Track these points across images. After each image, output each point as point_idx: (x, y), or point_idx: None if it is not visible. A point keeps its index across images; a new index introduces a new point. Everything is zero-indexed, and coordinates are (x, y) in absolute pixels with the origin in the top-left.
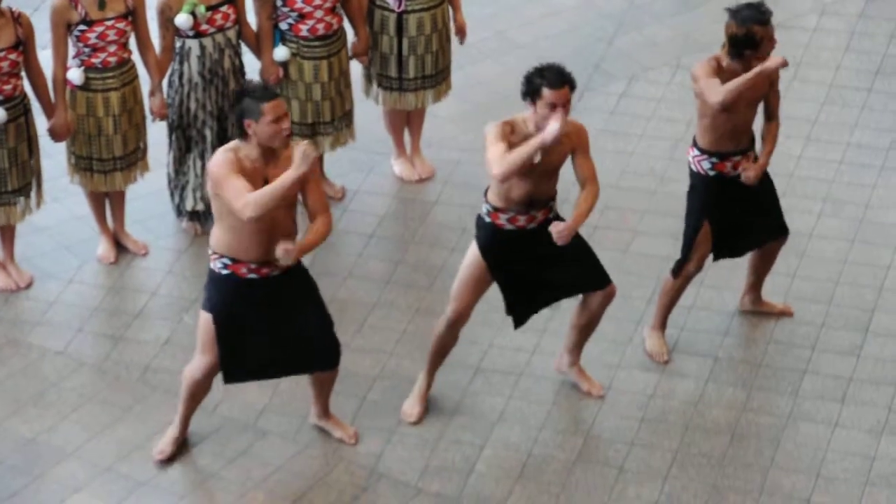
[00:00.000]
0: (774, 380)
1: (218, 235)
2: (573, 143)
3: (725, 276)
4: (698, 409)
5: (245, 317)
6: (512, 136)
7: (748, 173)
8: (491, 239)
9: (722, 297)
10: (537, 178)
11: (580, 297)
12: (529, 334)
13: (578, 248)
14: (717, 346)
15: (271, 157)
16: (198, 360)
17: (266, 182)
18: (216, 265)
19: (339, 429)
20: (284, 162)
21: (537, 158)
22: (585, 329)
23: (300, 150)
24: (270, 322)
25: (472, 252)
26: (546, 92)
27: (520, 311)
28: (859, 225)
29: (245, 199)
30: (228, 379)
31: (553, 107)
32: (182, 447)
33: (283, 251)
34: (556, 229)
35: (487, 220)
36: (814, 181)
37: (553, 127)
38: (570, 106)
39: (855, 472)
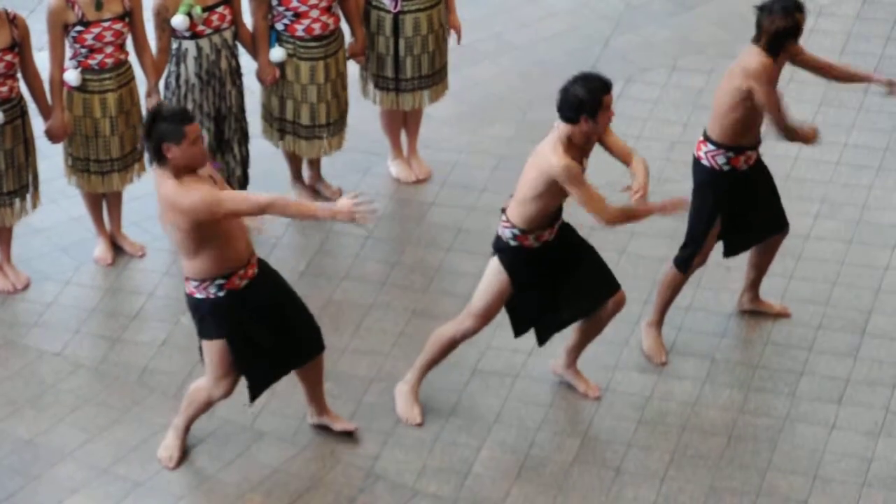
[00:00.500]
0: (771, 381)
1: (200, 264)
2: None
3: (722, 278)
4: (695, 411)
5: (250, 328)
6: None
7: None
8: (519, 261)
9: (719, 299)
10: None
11: None
12: (526, 336)
13: (586, 251)
14: (714, 347)
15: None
16: (217, 386)
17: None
18: (210, 291)
19: (339, 421)
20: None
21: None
22: (590, 332)
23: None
24: (268, 325)
25: (499, 274)
26: (606, 98)
27: (542, 329)
28: (856, 226)
29: (262, 200)
30: (254, 397)
31: (609, 106)
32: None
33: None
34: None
35: (514, 243)
36: (810, 182)
37: (681, 204)
38: None
39: (852, 474)
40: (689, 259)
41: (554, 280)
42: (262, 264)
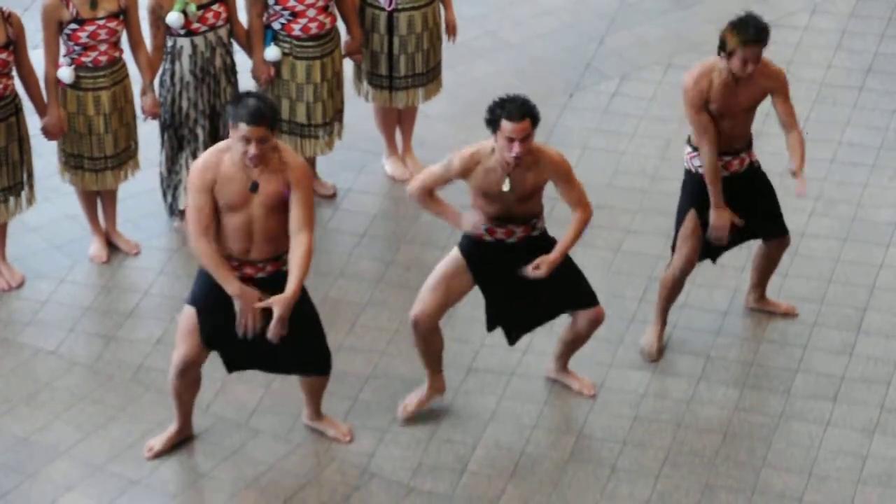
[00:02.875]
0: (767, 379)
1: None
2: (547, 175)
3: (717, 276)
4: (690, 408)
5: (227, 313)
6: (477, 166)
7: (799, 188)
8: (473, 247)
9: (713, 297)
10: (511, 203)
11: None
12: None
13: (564, 268)
14: (710, 345)
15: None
16: (176, 349)
17: (255, 186)
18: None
19: (333, 427)
20: (273, 168)
21: (506, 188)
22: (571, 345)
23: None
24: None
25: (451, 254)
26: (505, 124)
27: (510, 330)
28: (851, 224)
29: (196, 234)
30: (229, 370)
31: (511, 140)
32: (174, 446)
33: (273, 330)
34: (534, 268)
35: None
36: (806, 180)
37: (470, 221)
38: (532, 139)
39: (847, 471)
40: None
41: (523, 288)
42: (284, 278)
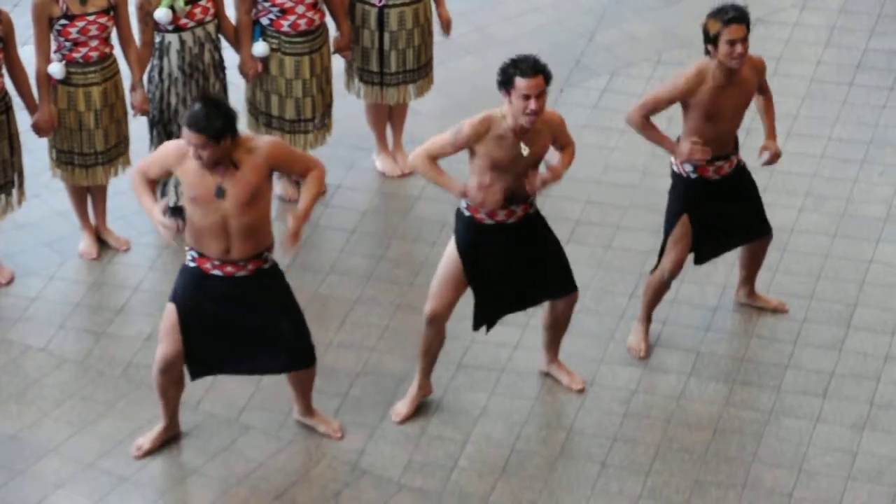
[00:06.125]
0: (757, 374)
1: (188, 229)
2: (553, 133)
3: (707, 272)
4: (680, 404)
5: (207, 310)
6: (488, 132)
7: (768, 158)
8: (469, 233)
9: (703, 292)
10: (519, 173)
11: None
12: (511, 329)
13: (552, 248)
14: (700, 340)
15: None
16: (159, 345)
17: (221, 192)
18: (187, 257)
19: (324, 423)
20: (242, 174)
21: (525, 151)
22: (554, 329)
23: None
24: (234, 319)
25: (451, 250)
26: (519, 81)
27: (487, 317)
28: (841, 219)
29: (134, 173)
30: (193, 375)
31: (527, 97)
32: (164, 442)
33: (283, 249)
34: (542, 177)
35: (467, 213)
36: (795, 176)
37: (473, 192)
38: (546, 97)
39: (837, 467)
40: (659, 258)
41: (513, 270)
42: (267, 272)
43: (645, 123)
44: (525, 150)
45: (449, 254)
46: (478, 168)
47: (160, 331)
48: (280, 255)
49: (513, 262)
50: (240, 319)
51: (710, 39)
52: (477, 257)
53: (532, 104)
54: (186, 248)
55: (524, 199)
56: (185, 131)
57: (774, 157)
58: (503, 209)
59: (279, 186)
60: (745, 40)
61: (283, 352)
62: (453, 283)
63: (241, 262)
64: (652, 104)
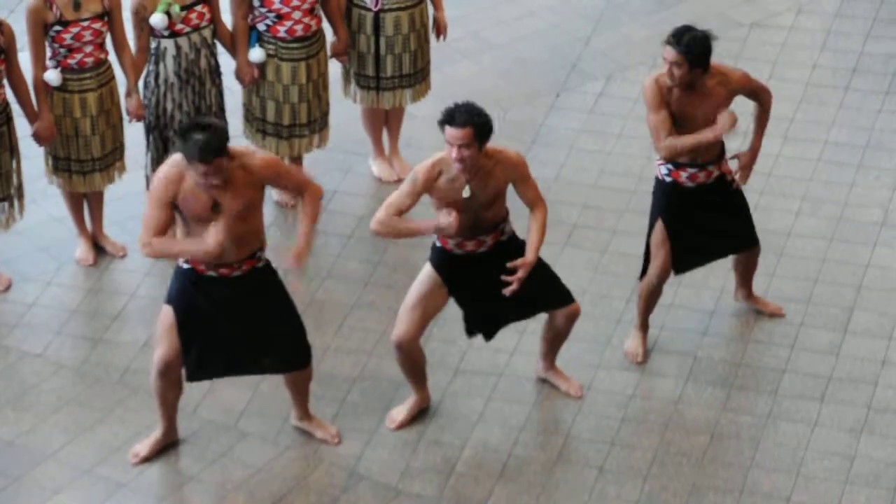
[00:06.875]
0: (754, 379)
1: (180, 233)
2: (508, 177)
3: (703, 276)
4: (678, 409)
5: (203, 311)
6: (440, 176)
7: (740, 178)
8: (444, 261)
9: (700, 297)
10: (475, 210)
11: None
12: (509, 335)
13: (536, 269)
14: (697, 345)
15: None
16: (156, 349)
17: (217, 207)
18: (180, 259)
19: (321, 429)
20: (237, 188)
21: (466, 194)
22: (553, 342)
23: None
24: (230, 320)
25: (425, 271)
26: (446, 129)
27: (485, 328)
28: (837, 223)
29: (147, 238)
30: (190, 377)
31: (450, 145)
32: (162, 449)
33: (287, 267)
34: (511, 274)
35: (438, 244)
36: (791, 180)
37: (444, 221)
38: (475, 149)
39: (835, 471)
40: (643, 265)
41: (492, 289)
42: (262, 272)
43: (674, 146)
44: (466, 193)
45: (421, 276)
46: (436, 206)
47: (157, 334)
48: (278, 261)
49: (495, 286)
50: (236, 318)
51: None
52: (455, 279)
53: (454, 153)
54: None
55: (492, 229)
56: (199, 165)
57: (743, 168)
58: (471, 240)
59: (275, 193)
60: (679, 65)
61: (280, 351)
62: (422, 306)
63: (235, 264)
64: (662, 127)
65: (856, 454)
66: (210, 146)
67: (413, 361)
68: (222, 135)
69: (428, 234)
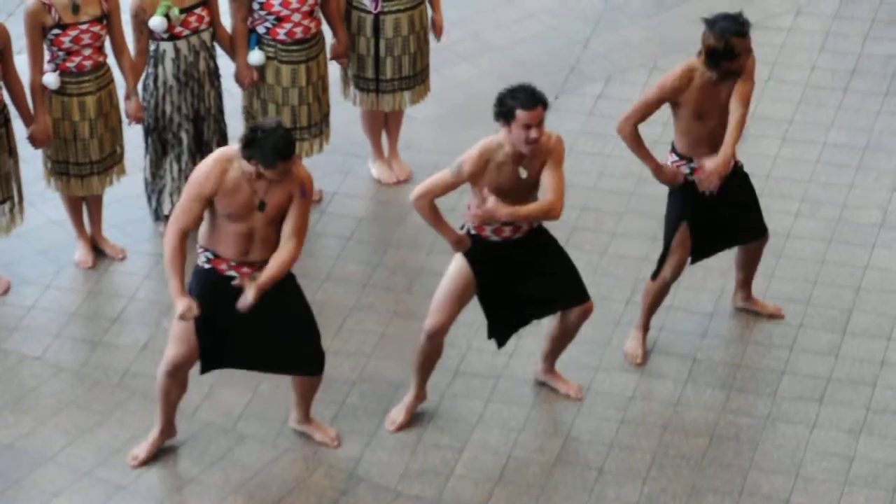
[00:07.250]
0: (753, 381)
1: (203, 229)
2: (551, 157)
3: (702, 278)
4: (677, 411)
5: (222, 311)
6: (488, 164)
7: (706, 183)
8: (477, 249)
9: (699, 299)
10: (521, 193)
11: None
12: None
13: (561, 260)
14: (696, 347)
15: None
16: (165, 353)
17: (262, 204)
18: (200, 259)
19: (320, 432)
20: (283, 190)
21: (524, 175)
22: (560, 340)
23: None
24: (249, 320)
25: (458, 264)
26: (520, 113)
27: (501, 331)
28: (836, 225)
29: (172, 231)
30: (203, 369)
31: (528, 127)
32: (161, 451)
33: (242, 301)
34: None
35: (473, 233)
36: (790, 181)
37: (491, 206)
38: (544, 124)
39: (834, 473)
40: (658, 265)
41: (522, 282)
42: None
43: (634, 135)
44: (524, 174)
45: (455, 269)
46: (477, 191)
47: (172, 332)
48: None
49: (520, 273)
50: (254, 318)
51: (727, 56)
52: (486, 271)
53: (533, 133)
54: (199, 250)
55: None
56: (281, 164)
57: (712, 174)
58: (510, 225)
59: None
60: (749, 50)
61: (297, 353)
62: (458, 299)
63: (257, 264)
64: (641, 111)
65: (855, 455)
66: (289, 146)
67: (437, 353)
68: (287, 131)
69: (447, 240)
